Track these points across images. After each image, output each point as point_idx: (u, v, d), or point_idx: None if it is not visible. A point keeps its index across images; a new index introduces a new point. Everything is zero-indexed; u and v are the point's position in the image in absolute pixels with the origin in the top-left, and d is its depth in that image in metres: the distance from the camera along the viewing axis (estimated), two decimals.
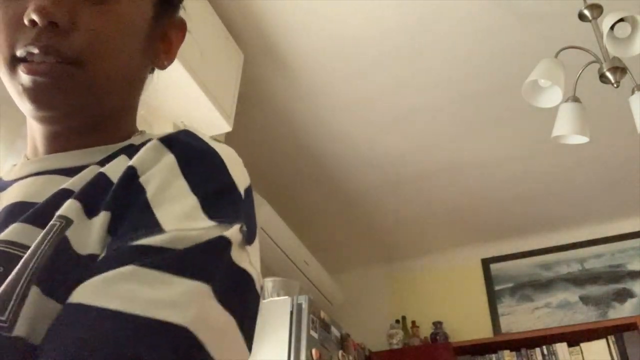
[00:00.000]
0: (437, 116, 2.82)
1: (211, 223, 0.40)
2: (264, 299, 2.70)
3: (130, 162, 0.45)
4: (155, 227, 0.39)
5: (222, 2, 2.25)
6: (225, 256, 0.40)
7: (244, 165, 0.49)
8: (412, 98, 2.71)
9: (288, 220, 3.24)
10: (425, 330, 3.62)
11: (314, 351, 2.38)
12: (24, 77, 0.47)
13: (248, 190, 0.47)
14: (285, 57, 2.50)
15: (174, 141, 0.47)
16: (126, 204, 0.42)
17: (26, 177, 0.50)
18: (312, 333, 2.44)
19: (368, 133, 2.93)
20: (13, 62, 0.48)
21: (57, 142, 0.53)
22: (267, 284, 2.80)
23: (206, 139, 0.48)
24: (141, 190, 0.42)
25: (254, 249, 0.44)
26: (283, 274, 3.03)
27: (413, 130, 2.91)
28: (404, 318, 3.74)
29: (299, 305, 2.47)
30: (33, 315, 0.36)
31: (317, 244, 3.68)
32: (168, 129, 1.31)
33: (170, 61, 0.61)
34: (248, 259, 0.42)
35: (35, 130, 0.54)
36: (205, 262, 0.38)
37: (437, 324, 3.57)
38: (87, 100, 0.50)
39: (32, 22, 0.46)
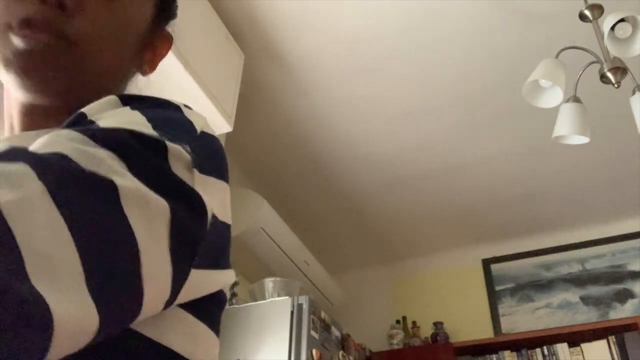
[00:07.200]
0: (437, 116, 2.82)
1: (154, 132, 0.38)
2: (264, 299, 2.70)
3: (81, 110, 0.44)
4: None
5: (222, 2, 2.25)
6: (159, 154, 0.37)
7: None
8: (412, 98, 2.71)
9: (288, 220, 3.24)
10: (426, 331, 3.62)
11: (314, 351, 2.37)
12: (18, 44, 0.47)
13: (209, 136, 0.45)
14: (285, 57, 2.50)
15: (131, 97, 0.46)
16: None
17: None
18: (313, 333, 2.44)
19: (368, 132, 2.93)
20: (6, 29, 0.47)
21: (33, 121, 0.53)
22: (268, 284, 2.80)
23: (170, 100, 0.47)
24: (91, 123, 0.41)
25: (212, 185, 0.41)
26: (283, 274, 3.03)
27: (413, 129, 2.90)
28: (404, 318, 3.73)
29: (300, 306, 2.47)
30: None
31: (318, 244, 3.68)
32: None
33: (153, 70, 0.61)
34: (192, 181, 0.39)
35: (13, 107, 0.54)
36: (134, 149, 0.36)
37: (438, 324, 3.56)
38: (73, 80, 0.50)
39: None
